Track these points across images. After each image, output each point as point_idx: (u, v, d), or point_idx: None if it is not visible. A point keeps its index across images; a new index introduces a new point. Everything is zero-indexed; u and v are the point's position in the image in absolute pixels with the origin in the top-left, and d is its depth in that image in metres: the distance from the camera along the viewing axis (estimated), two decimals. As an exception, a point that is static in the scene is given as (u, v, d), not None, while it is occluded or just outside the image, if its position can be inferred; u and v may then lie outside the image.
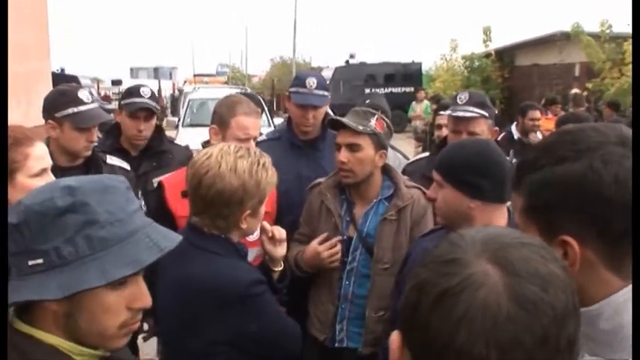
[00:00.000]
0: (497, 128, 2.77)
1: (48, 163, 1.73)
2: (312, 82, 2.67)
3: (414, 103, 13.30)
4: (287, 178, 2.23)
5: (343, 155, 2.17)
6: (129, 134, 2.86)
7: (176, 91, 22.83)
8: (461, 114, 2.55)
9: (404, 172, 2.62)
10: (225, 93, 6.39)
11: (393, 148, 2.99)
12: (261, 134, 2.71)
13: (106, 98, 19.06)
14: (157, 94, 3.20)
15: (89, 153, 2.42)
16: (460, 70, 19.22)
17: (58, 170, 1.83)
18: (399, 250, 2.15)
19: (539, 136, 5.28)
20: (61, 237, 0.95)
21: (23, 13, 4.94)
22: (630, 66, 12.17)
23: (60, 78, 8.94)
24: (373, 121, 2.19)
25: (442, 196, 1.74)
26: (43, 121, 2.42)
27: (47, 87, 5.89)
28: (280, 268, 1.85)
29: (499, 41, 18.54)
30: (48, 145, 1.88)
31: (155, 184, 2.56)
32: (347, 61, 21.82)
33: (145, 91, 2.87)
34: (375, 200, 2.25)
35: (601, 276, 0.86)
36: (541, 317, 0.60)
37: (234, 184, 1.58)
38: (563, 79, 14.85)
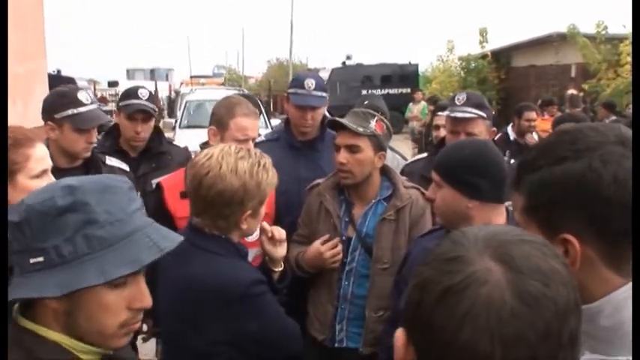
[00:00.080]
0: (494, 129, 2.78)
1: (48, 164, 1.73)
2: (310, 83, 2.68)
3: (411, 104, 13.31)
4: (285, 179, 2.23)
5: (342, 156, 2.18)
6: (127, 136, 2.86)
7: (172, 93, 22.83)
8: (459, 115, 2.56)
9: (402, 172, 2.63)
10: (222, 94, 6.37)
11: (391, 149, 3.00)
12: (259, 135, 2.72)
13: (103, 100, 19.01)
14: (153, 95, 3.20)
15: (88, 154, 2.42)
16: (457, 71, 19.25)
17: (57, 171, 1.83)
18: (398, 250, 2.16)
19: (535, 136, 5.30)
20: (60, 236, 0.96)
21: (19, 14, 4.93)
22: (626, 67, 12.26)
23: (56, 80, 8.92)
24: (373, 123, 2.20)
25: (441, 196, 1.75)
26: (39, 122, 2.42)
27: (43, 88, 5.88)
28: (280, 269, 1.86)
29: (495, 42, 18.58)
30: (47, 147, 1.88)
31: (154, 185, 2.57)
32: (344, 63, 21.80)
33: (143, 93, 2.88)
34: (373, 201, 2.26)
35: (601, 274, 0.87)
36: (544, 312, 0.61)
37: (235, 184, 1.59)
38: (559, 80, 14.89)
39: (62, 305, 0.99)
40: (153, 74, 31.73)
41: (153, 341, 2.83)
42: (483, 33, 18.15)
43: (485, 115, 2.58)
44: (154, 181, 2.62)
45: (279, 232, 1.84)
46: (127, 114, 2.82)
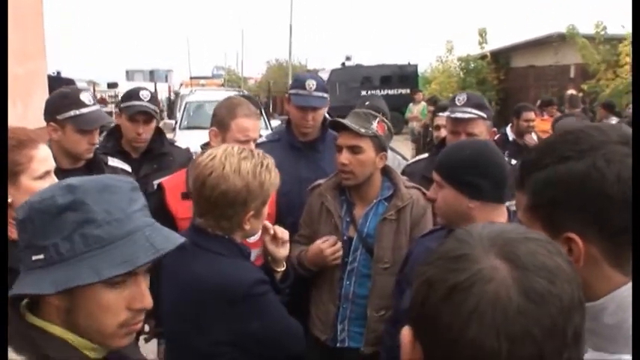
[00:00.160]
0: (495, 129, 2.80)
1: (51, 165, 1.73)
2: (311, 84, 2.69)
3: (411, 104, 13.32)
4: (287, 180, 2.24)
5: (344, 157, 2.19)
6: (129, 137, 2.87)
7: (172, 94, 22.81)
8: (459, 115, 2.57)
9: (404, 173, 2.63)
10: (221, 95, 6.36)
11: (392, 149, 3.01)
12: (260, 136, 2.72)
13: (102, 101, 19.01)
14: (152, 96, 3.21)
15: (91, 155, 2.42)
16: (456, 71, 19.27)
17: (60, 172, 1.84)
18: (399, 250, 2.17)
19: (534, 137, 5.31)
20: (59, 234, 0.98)
21: (19, 16, 4.94)
22: (625, 67, 12.27)
23: (56, 81, 8.94)
24: (375, 124, 2.21)
25: (442, 196, 1.76)
26: (40, 124, 2.43)
27: (43, 89, 5.89)
28: (283, 269, 1.86)
29: (494, 43, 18.60)
30: (50, 147, 1.89)
31: (155, 186, 2.58)
32: (343, 64, 21.83)
33: (145, 95, 2.88)
34: (374, 201, 2.27)
35: (604, 272, 0.88)
36: (549, 309, 0.62)
37: (238, 185, 1.60)
38: (558, 81, 14.90)
39: (63, 302, 1.00)
40: (152, 75, 31.76)
41: (154, 342, 2.83)
42: (482, 33, 18.17)
43: (485, 115, 2.59)
44: (156, 182, 2.63)
45: (282, 232, 1.85)
46: (128, 115, 2.83)
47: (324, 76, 19.55)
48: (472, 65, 18.70)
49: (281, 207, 2.38)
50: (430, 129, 6.19)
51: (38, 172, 1.67)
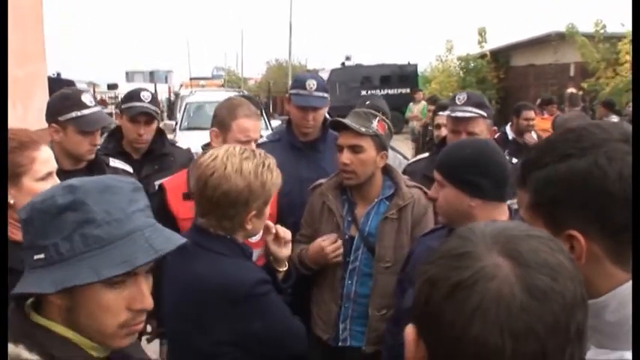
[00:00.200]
0: (495, 128, 2.80)
1: (53, 166, 1.74)
2: (312, 84, 2.70)
3: (411, 104, 13.32)
4: (288, 180, 2.24)
5: (346, 157, 2.19)
6: (130, 138, 2.88)
7: (172, 95, 22.80)
8: (460, 114, 2.58)
9: (405, 172, 2.64)
10: (221, 96, 6.35)
11: (392, 149, 3.01)
12: (261, 136, 2.73)
13: (102, 102, 19.01)
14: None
15: (92, 156, 2.43)
16: (456, 71, 19.27)
17: (61, 173, 1.84)
18: (400, 249, 2.17)
19: (534, 136, 5.31)
20: (59, 234, 0.99)
21: (18, 17, 4.94)
22: (625, 66, 12.27)
23: (56, 83, 8.94)
24: (375, 123, 2.21)
25: (443, 195, 1.77)
26: (40, 125, 2.43)
27: (43, 91, 5.89)
28: (285, 269, 1.87)
29: (494, 42, 18.60)
30: (51, 149, 1.89)
31: (157, 187, 2.58)
32: (343, 63, 21.82)
33: (146, 96, 2.89)
34: (376, 200, 2.27)
35: (606, 269, 0.88)
36: (552, 306, 0.63)
37: (240, 185, 1.60)
38: (558, 79, 14.90)
39: (64, 302, 1.01)
40: (152, 76, 31.77)
41: (156, 342, 2.84)
42: (482, 33, 18.17)
43: (485, 114, 2.60)
44: (157, 183, 2.63)
45: (285, 232, 1.85)
46: (129, 116, 2.84)
47: (324, 76, 19.55)
48: (472, 64, 18.70)
49: (282, 207, 2.38)
50: (430, 128, 6.20)
51: (40, 174, 1.67)
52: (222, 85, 27.89)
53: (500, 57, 18.44)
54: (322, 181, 2.38)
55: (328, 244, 2.21)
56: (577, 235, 0.88)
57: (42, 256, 0.99)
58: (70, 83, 12.05)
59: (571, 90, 10.00)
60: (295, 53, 36.05)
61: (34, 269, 1.00)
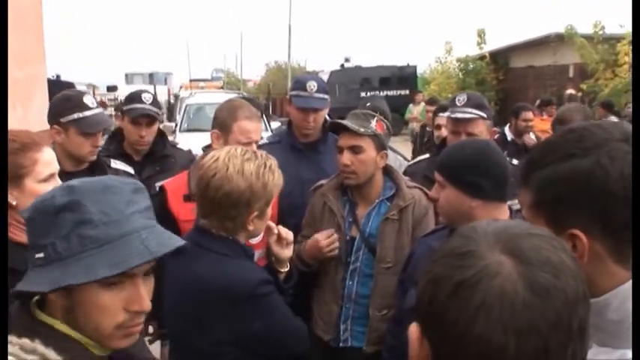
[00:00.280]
0: (495, 129, 2.81)
1: (55, 168, 1.74)
2: (312, 85, 2.71)
3: (411, 105, 13.34)
4: (288, 181, 2.25)
5: (346, 157, 2.20)
6: (131, 140, 2.89)
7: (171, 97, 22.81)
8: (460, 115, 2.59)
9: (405, 173, 2.65)
10: (221, 98, 6.34)
11: (393, 150, 3.02)
12: (261, 138, 2.73)
13: (102, 104, 18.95)
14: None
15: (94, 158, 2.44)
16: (455, 72, 19.32)
17: (63, 175, 1.85)
18: (401, 250, 2.18)
19: (533, 137, 5.32)
20: (57, 233, 0.99)
21: (18, 19, 4.94)
22: (624, 67, 12.29)
23: (56, 85, 8.93)
24: (373, 123, 2.23)
25: (444, 196, 1.78)
26: (40, 127, 2.44)
27: (43, 93, 5.89)
28: (286, 269, 1.87)
29: (493, 43, 18.65)
30: (53, 150, 1.90)
31: (157, 189, 2.58)
32: (342, 65, 21.82)
33: (147, 97, 2.90)
34: (377, 201, 2.28)
35: (608, 268, 0.89)
36: (555, 303, 0.63)
37: (242, 186, 1.61)
38: (557, 81, 14.94)
39: (64, 301, 1.02)
40: (152, 78, 31.74)
41: (158, 343, 2.84)
42: (481, 34, 18.22)
43: (485, 115, 2.61)
44: (158, 185, 2.63)
45: (287, 233, 1.86)
46: (131, 118, 2.84)
47: (324, 77, 19.55)
48: (471, 66, 18.75)
49: (283, 208, 2.39)
50: (427, 129, 6.20)
51: (42, 175, 1.68)
52: (222, 87, 27.90)
53: (500, 58, 18.47)
54: (323, 182, 2.39)
55: (323, 238, 2.21)
56: (579, 234, 0.89)
57: (42, 255, 1.01)
58: (70, 85, 12.07)
59: (570, 91, 10.04)
60: (294, 55, 36.13)
61: (35, 268, 1.01)
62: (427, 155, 3.05)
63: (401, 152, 3.60)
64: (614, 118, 7.19)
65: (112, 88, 24.72)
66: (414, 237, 2.19)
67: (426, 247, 1.89)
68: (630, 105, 8.59)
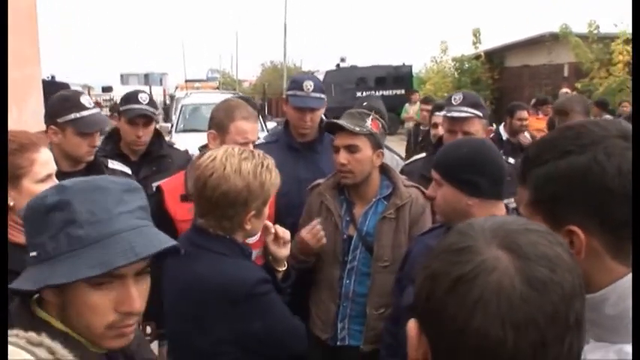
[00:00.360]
0: (491, 128, 2.83)
1: (53, 168, 1.74)
2: (309, 85, 2.71)
3: (407, 104, 13.35)
4: (286, 181, 2.25)
5: (342, 157, 2.20)
6: (128, 140, 2.89)
7: (167, 98, 22.74)
8: (456, 114, 2.60)
9: (402, 172, 2.66)
10: (217, 98, 6.33)
11: (389, 149, 3.03)
12: (258, 138, 2.73)
13: (97, 105, 18.88)
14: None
15: (91, 158, 2.44)
16: (450, 72, 19.37)
17: (60, 175, 1.85)
18: (398, 248, 2.19)
19: (528, 136, 5.33)
20: (48, 233, 1.00)
21: (13, 20, 4.93)
22: (618, 66, 12.35)
23: (51, 85, 8.91)
24: (369, 122, 2.23)
25: (441, 194, 1.78)
26: (34, 128, 2.44)
27: (38, 94, 5.87)
28: (284, 269, 1.88)
29: (488, 43, 18.71)
30: (50, 151, 1.90)
31: (154, 189, 2.58)
32: (338, 65, 21.81)
33: (143, 97, 2.90)
34: (374, 199, 2.28)
35: (606, 264, 0.90)
36: (551, 297, 0.64)
37: (239, 185, 1.61)
38: (552, 80, 14.99)
39: (57, 299, 1.03)
40: (147, 79, 31.69)
41: (155, 343, 2.84)
42: (476, 34, 18.28)
43: (481, 114, 2.62)
44: (155, 185, 2.63)
45: (284, 232, 1.86)
46: (127, 118, 2.84)
47: (319, 77, 19.48)
48: (466, 65, 18.80)
49: (280, 208, 2.39)
50: (421, 128, 6.21)
51: (40, 176, 1.68)
52: (218, 88, 27.86)
53: (495, 58, 18.53)
54: (320, 181, 2.39)
55: (306, 233, 2.19)
56: (577, 231, 0.89)
57: (35, 253, 1.02)
58: (65, 86, 12.02)
59: (565, 90, 10.06)
60: (290, 55, 36.10)
61: (30, 266, 1.02)
62: (424, 154, 3.06)
63: (397, 152, 3.61)
64: (608, 117, 7.22)
65: (107, 89, 24.67)
66: (411, 235, 2.19)
67: (423, 246, 1.89)
68: (625, 104, 8.62)
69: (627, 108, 8.17)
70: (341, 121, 2.23)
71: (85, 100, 2.40)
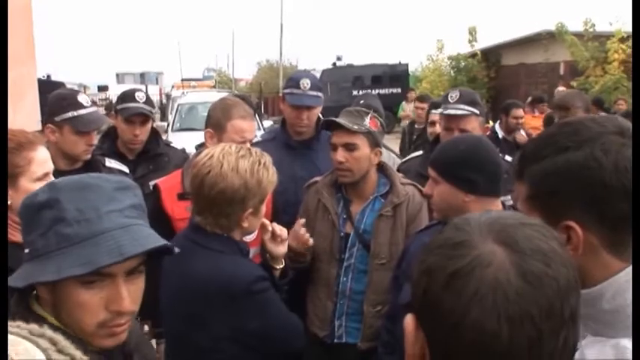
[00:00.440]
0: (488, 125, 2.83)
1: (50, 167, 1.74)
2: (305, 83, 2.71)
3: (404, 103, 13.36)
4: (282, 179, 2.25)
5: (340, 155, 2.20)
6: (125, 139, 2.88)
7: (163, 97, 22.71)
8: (452, 112, 2.61)
9: (399, 170, 2.66)
10: (213, 97, 6.30)
11: (386, 147, 3.03)
12: (255, 136, 2.73)
13: (93, 104, 18.86)
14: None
15: (89, 156, 2.44)
16: (446, 70, 19.37)
17: (57, 173, 1.84)
18: (395, 246, 2.19)
19: (523, 134, 5.35)
20: (38, 231, 1.01)
21: (9, 18, 4.92)
22: (613, 64, 12.39)
23: (47, 85, 8.88)
24: (367, 120, 2.23)
25: (438, 191, 1.79)
26: (29, 128, 2.43)
27: (34, 93, 5.86)
28: (281, 266, 1.88)
29: (485, 41, 18.73)
30: (47, 149, 1.90)
31: (151, 187, 2.58)
32: (334, 64, 21.80)
33: (140, 96, 2.90)
34: (371, 197, 2.29)
35: (603, 259, 0.90)
36: (546, 291, 0.64)
37: (236, 183, 1.61)
38: (548, 78, 15.03)
39: (50, 296, 1.03)
40: (143, 78, 31.67)
41: (152, 342, 2.84)
42: (472, 32, 18.28)
43: (478, 111, 2.63)
44: (152, 183, 2.63)
45: (281, 230, 1.87)
46: (124, 117, 2.84)
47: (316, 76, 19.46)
48: (463, 64, 18.81)
49: (277, 206, 2.40)
50: (416, 126, 6.20)
51: (37, 174, 1.68)
52: (214, 86, 27.83)
53: (491, 56, 18.54)
54: (317, 178, 2.39)
55: (291, 239, 2.10)
56: (574, 226, 0.90)
57: (28, 251, 1.02)
58: (61, 85, 11.97)
59: (561, 88, 10.08)
60: (286, 54, 36.03)
61: (24, 263, 1.03)
62: (420, 152, 3.06)
63: (394, 150, 3.62)
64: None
65: (102, 88, 24.65)
66: (408, 233, 2.20)
67: (420, 243, 1.90)
68: (620, 102, 8.65)
69: (623, 106, 8.20)
70: (340, 119, 2.23)
71: (82, 98, 2.40)
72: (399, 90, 18.71)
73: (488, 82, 18.17)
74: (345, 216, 2.30)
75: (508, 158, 2.81)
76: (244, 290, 1.61)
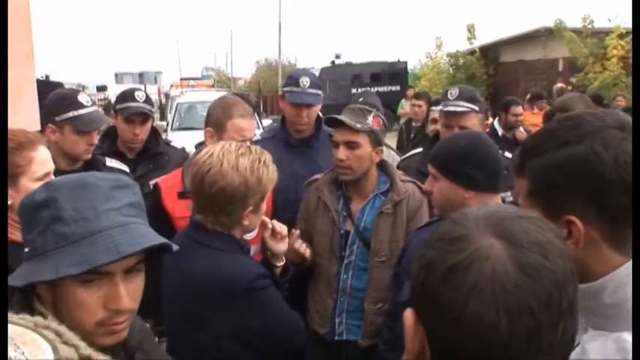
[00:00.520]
0: (488, 122, 2.84)
1: (51, 167, 1.74)
2: (305, 81, 2.71)
3: (403, 100, 13.36)
4: (282, 177, 2.26)
5: (342, 153, 2.20)
6: (125, 138, 2.89)
7: (162, 96, 22.67)
8: (452, 109, 2.61)
9: (399, 167, 2.66)
10: (212, 96, 6.32)
11: (386, 145, 3.03)
12: (254, 135, 2.73)
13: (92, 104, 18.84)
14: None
15: (89, 156, 2.44)
16: (445, 67, 19.37)
17: (58, 173, 1.84)
18: (395, 243, 2.20)
19: (523, 130, 5.35)
20: (36, 230, 1.01)
21: (7, 18, 4.91)
22: (612, 60, 12.39)
23: (45, 85, 8.87)
24: (370, 119, 2.23)
25: (438, 188, 1.79)
26: (30, 128, 2.43)
27: (32, 94, 5.85)
28: (282, 264, 1.89)
29: (483, 38, 18.73)
30: (48, 149, 1.90)
31: (151, 186, 2.58)
32: (333, 62, 21.78)
33: (140, 96, 2.90)
34: (371, 195, 2.29)
35: (604, 253, 0.91)
36: (544, 282, 0.65)
37: (236, 181, 1.62)
38: (547, 75, 15.03)
39: (49, 295, 1.03)
40: (141, 78, 31.66)
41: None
42: (471, 29, 18.28)
43: (477, 108, 2.63)
44: (152, 182, 2.63)
45: (281, 227, 1.87)
46: (124, 117, 2.84)
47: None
48: (461, 61, 18.80)
49: (277, 204, 2.40)
50: (413, 124, 6.19)
51: (38, 174, 1.68)
52: (212, 86, 27.81)
53: (490, 53, 18.54)
54: (318, 176, 2.40)
55: (288, 252, 2.04)
56: (575, 221, 0.90)
57: (27, 250, 1.02)
58: (59, 85, 11.97)
59: (560, 85, 10.08)
60: (285, 52, 36.01)
61: (23, 262, 1.03)
62: (420, 149, 3.07)
63: (394, 147, 3.62)
64: (603, 111, 7.22)
65: (101, 88, 24.60)
66: (409, 230, 2.20)
67: (420, 240, 1.90)
68: (619, 98, 8.65)
69: (622, 102, 8.20)
70: (342, 117, 2.23)
71: (82, 98, 2.41)
72: (398, 88, 18.69)
73: (487, 79, 18.17)
74: (345, 213, 2.30)
75: (508, 155, 2.81)
76: (245, 288, 1.61)
